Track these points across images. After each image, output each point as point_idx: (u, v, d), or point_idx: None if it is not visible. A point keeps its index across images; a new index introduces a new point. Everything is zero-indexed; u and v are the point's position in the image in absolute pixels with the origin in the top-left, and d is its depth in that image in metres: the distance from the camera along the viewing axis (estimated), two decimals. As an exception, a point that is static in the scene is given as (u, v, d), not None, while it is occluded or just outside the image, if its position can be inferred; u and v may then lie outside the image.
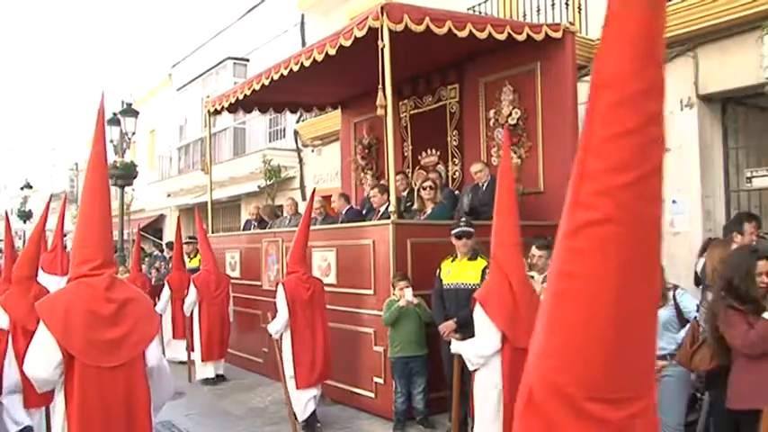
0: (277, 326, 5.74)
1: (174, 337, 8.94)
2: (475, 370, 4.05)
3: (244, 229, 10.19)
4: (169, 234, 19.72)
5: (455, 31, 6.27)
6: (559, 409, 1.06)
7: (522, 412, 1.11)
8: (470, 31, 6.37)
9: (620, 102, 1.06)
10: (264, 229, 9.41)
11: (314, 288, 5.85)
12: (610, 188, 1.04)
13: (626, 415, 1.05)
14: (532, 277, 5.30)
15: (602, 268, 1.05)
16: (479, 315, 3.90)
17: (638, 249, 1.05)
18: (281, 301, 5.76)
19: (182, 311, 8.35)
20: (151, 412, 2.87)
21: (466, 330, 5.32)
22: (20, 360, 3.98)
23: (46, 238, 7.40)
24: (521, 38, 6.74)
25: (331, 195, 9.21)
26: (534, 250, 5.40)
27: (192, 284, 7.91)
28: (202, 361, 7.82)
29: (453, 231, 5.38)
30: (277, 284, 5.93)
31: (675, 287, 4.59)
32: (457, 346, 4.27)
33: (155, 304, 7.69)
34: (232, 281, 8.33)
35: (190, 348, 8.07)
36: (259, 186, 14.16)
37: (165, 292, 8.93)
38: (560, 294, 1.09)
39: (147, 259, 13.55)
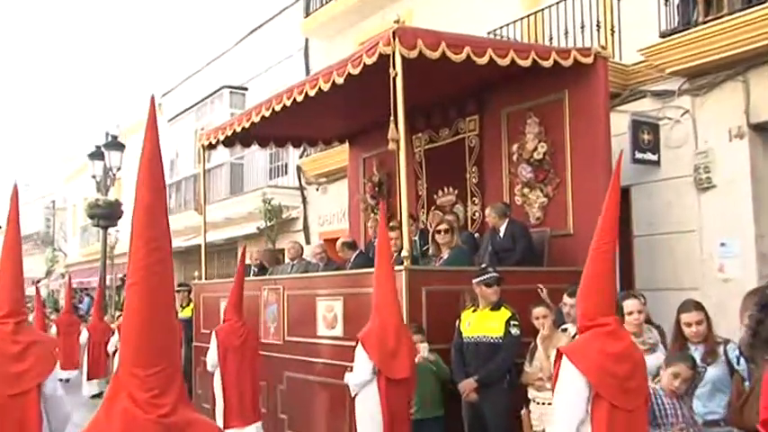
0: (209, 367, 7.12)
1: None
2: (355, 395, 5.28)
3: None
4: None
5: (474, 58, 6.38)
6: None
7: None
8: (491, 57, 6.47)
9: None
10: (265, 274, 9.46)
11: (246, 336, 7.03)
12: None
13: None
14: (565, 330, 5.30)
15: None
16: (358, 350, 5.23)
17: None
18: (212, 348, 7.09)
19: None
20: None
21: (488, 390, 5.31)
22: None
23: None
24: (547, 64, 6.85)
25: (338, 239, 9.26)
26: (566, 299, 5.41)
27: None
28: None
29: (482, 278, 5.40)
30: (211, 332, 7.25)
31: (727, 341, 4.56)
32: (345, 377, 5.44)
33: None
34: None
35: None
36: (258, 228, 14.26)
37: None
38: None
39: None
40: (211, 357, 7.12)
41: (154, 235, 2.38)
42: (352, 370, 5.39)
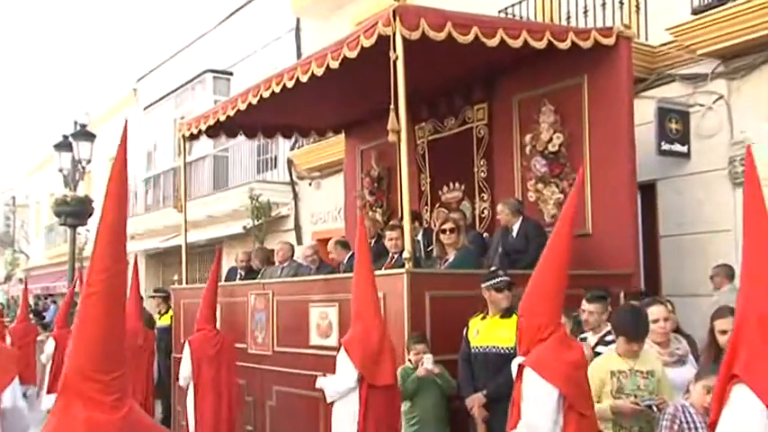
0: (181, 380, 7.31)
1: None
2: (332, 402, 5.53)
3: (227, 279, 10.32)
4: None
5: (483, 39, 6.43)
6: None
7: None
8: (502, 38, 6.52)
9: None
10: (253, 278, 9.52)
11: (221, 345, 7.22)
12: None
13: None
14: (584, 339, 5.37)
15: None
16: (341, 356, 5.45)
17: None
18: (185, 359, 7.27)
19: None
20: None
21: (498, 406, 5.38)
22: None
23: None
24: (564, 46, 6.90)
25: (331, 239, 9.34)
26: (585, 304, 5.47)
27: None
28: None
29: (491, 282, 5.46)
30: (184, 342, 7.46)
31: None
32: (319, 383, 5.68)
33: None
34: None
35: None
36: (245, 227, 14.31)
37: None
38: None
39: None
40: (185, 369, 7.28)
41: (118, 247, 2.83)
42: (327, 376, 5.64)
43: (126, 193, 2.95)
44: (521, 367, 3.74)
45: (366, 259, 5.58)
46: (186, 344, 7.35)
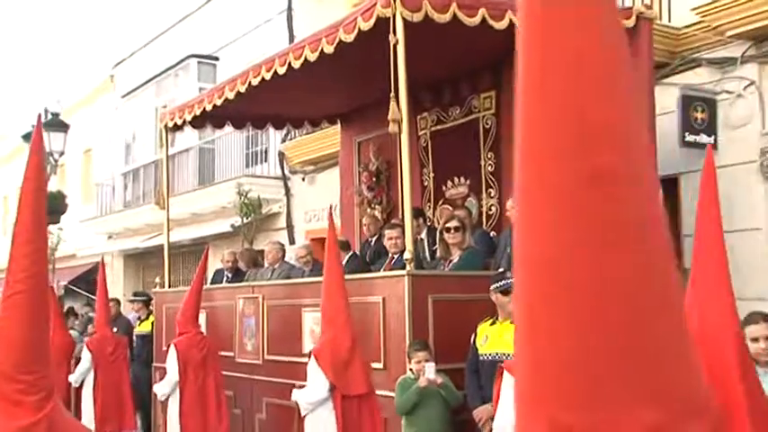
0: (165, 388, 7.25)
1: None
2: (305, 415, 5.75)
3: (213, 282, 10.34)
4: (111, 287, 19.86)
5: (491, 22, 6.45)
6: None
7: None
8: (511, 20, 6.52)
9: None
10: (241, 281, 9.54)
11: (207, 349, 7.36)
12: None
13: None
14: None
15: None
16: (311, 366, 5.71)
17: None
18: (171, 363, 7.28)
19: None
20: None
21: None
22: None
23: None
24: (578, 28, 6.93)
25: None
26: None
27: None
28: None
29: (498, 285, 5.49)
30: (168, 346, 7.53)
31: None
32: (294, 395, 5.92)
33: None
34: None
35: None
36: (233, 226, 14.36)
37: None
38: None
39: (76, 322, 13.74)
40: (170, 374, 7.31)
41: (37, 246, 3.05)
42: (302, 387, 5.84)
43: (43, 191, 3.17)
44: (500, 368, 3.94)
45: (336, 264, 5.81)
46: (171, 347, 7.39)
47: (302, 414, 5.83)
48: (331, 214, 6.65)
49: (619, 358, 1.16)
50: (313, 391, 5.69)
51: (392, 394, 5.85)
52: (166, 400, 7.47)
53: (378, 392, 6.23)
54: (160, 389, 7.49)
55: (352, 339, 5.68)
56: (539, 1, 1.15)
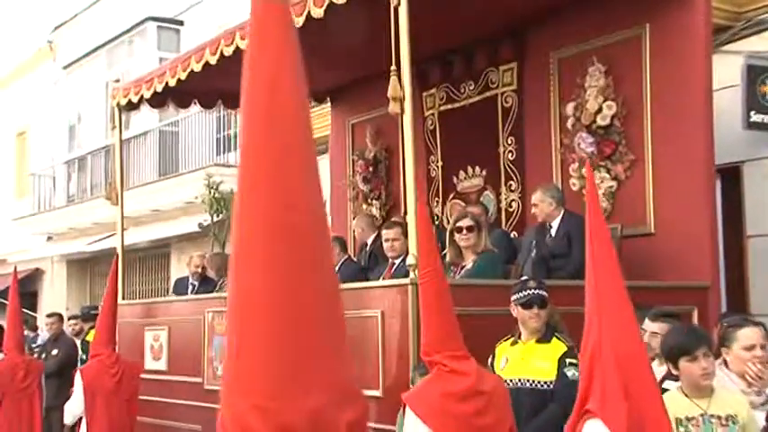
0: (74, 408, 7.53)
1: None
2: None
3: (175, 292, 10.31)
4: (51, 300, 19.84)
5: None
6: None
7: None
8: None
9: None
10: (210, 290, 9.50)
11: (122, 374, 7.57)
12: None
13: None
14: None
15: None
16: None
17: None
18: (76, 393, 7.52)
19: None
20: None
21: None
22: None
23: None
24: (619, -14, 6.94)
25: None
26: (647, 323, 5.45)
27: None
28: None
29: (519, 296, 5.46)
30: (74, 372, 7.91)
31: None
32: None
33: None
34: (152, 376, 8.53)
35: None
36: (201, 224, 14.34)
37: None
38: None
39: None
40: (73, 406, 7.57)
41: None
42: None
43: None
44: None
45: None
46: (77, 375, 7.65)
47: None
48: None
49: (293, 358, 1.97)
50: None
51: (393, 428, 5.81)
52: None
53: (376, 426, 6.21)
54: (70, 409, 7.71)
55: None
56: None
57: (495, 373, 5.61)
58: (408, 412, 4.53)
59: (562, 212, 7.19)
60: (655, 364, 5.36)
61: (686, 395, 4.47)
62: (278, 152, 2.06)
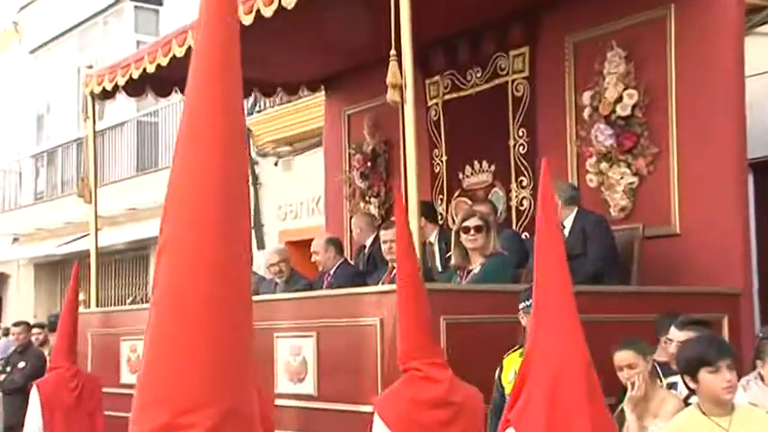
0: (32, 425, 7.53)
1: None
2: None
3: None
4: (17, 307, 19.82)
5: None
6: None
7: None
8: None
9: None
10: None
11: (82, 388, 7.68)
12: None
13: None
14: (673, 386, 5.35)
15: None
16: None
17: None
18: (32, 408, 7.59)
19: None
20: None
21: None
22: None
23: None
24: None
25: (309, 240, 9.33)
26: (674, 332, 5.45)
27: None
28: None
29: (528, 303, 5.46)
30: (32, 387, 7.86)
31: None
32: None
33: None
34: (129, 391, 8.43)
35: None
36: (183, 225, 14.30)
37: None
38: None
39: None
40: (30, 422, 7.62)
41: None
42: None
43: None
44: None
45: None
46: (33, 389, 7.72)
47: None
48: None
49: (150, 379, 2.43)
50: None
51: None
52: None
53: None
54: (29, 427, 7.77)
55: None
56: None
57: (502, 386, 5.64)
58: (376, 417, 4.86)
59: (575, 211, 7.20)
60: (678, 378, 5.36)
61: (704, 413, 4.36)
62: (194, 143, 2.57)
